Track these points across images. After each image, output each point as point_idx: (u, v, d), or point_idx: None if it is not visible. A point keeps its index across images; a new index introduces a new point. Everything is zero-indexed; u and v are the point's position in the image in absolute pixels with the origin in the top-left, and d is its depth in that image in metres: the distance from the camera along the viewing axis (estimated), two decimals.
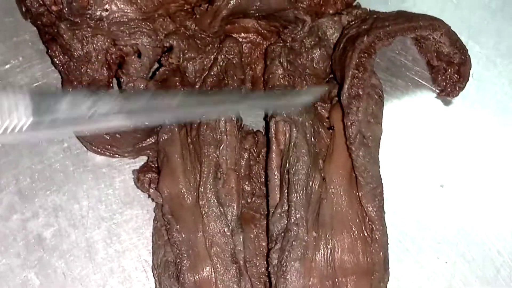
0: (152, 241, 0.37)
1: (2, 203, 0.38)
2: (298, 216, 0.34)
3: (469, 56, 0.39)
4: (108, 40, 0.38)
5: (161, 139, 0.36)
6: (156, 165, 0.37)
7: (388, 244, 0.36)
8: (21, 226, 0.37)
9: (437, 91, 0.39)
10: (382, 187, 0.36)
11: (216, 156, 0.35)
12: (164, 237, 0.36)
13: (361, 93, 0.36)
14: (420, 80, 0.39)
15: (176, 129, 0.36)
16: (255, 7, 0.37)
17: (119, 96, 0.31)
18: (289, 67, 0.37)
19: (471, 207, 0.39)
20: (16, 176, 0.38)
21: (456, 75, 0.39)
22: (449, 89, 0.39)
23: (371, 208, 0.35)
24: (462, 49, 0.39)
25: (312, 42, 0.38)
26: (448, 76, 0.39)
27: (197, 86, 0.37)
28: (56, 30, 0.37)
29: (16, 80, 0.39)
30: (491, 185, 0.41)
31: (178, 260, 0.35)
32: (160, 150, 0.36)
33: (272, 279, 0.34)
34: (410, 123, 0.39)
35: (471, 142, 0.40)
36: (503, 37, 0.41)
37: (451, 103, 0.39)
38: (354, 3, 0.40)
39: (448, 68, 0.39)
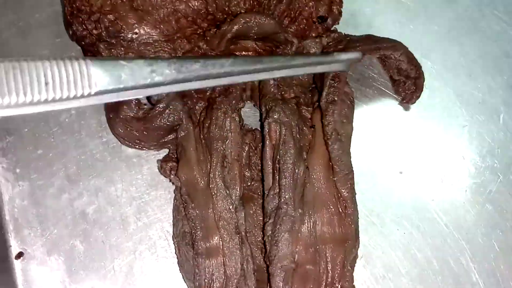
0: (173, 216, 0.36)
1: (54, 186, 0.37)
2: (287, 196, 0.34)
3: (422, 71, 0.39)
4: (137, 57, 0.35)
5: (179, 136, 0.35)
6: (175, 156, 0.36)
7: (358, 218, 0.35)
8: (69, 204, 0.36)
9: (398, 99, 0.39)
10: (353, 173, 0.36)
11: (223, 149, 0.35)
12: (182, 212, 0.35)
13: (336, 99, 0.36)
14: (384, 90, 0.39)
15: (191, 127, 0.35)
16: (253, 31, 0.36)
17: (175, 64, 0.29)
18: (278, 78, 0.36)
19: (423, 189, 0.39)
20: (65, 164, 0.37)
21: (413, 87, 0.39)
22: (408, 98, 0.39)
23: (344, 190, 0.35)
24: (417, 66, 0.38)
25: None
26: (406, 87, 0.39)
27: (207, 93, 0.36)
28: (96, 49, 0.36)
29: None
30: (439, 172, 0.39)
31: (193, 231, 0.34)
32: (179, 144, 0.35)
33: (267, 246, 0.34)
34: (376, 123, 0.39)
35: (424, 138, 0.39)
36: (449, 55, 0.40)
37: (409, 109, 0.39)
38: (332, 28, 0.39)
39: (406, 81, 0.39)
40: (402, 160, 0.40)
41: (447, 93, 0.41)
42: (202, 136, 0.35)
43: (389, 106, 0.41)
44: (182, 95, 0.36)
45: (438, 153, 0.41)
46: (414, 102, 0.39)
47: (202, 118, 0.36)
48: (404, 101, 0.39)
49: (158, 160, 0.37)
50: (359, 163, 0.37)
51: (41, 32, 0.39)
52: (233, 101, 0.36)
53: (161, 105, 0.35)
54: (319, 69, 0.35)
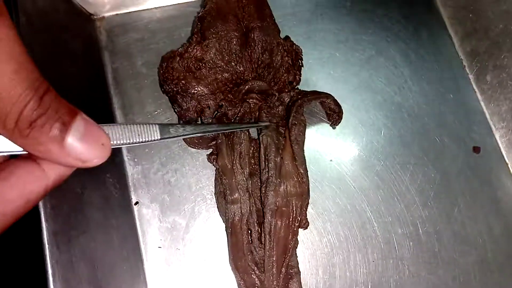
0: (214, 183, 0.38)
1: (154, 167, 0.39)
2: (271, 173, 0.36)
3: (342, 109, 0.40)
4: (196, 102, 0.38)
5: (218, 142, 0.37)
6: (215, 152, 0.38)
7: (309, 183, 0.37)
8: (161, 177, 0.38)
9: (329, 123, 0.41)
10: (305, 160, 0.38)
11: (239, 149, 0.37)
12: (219, 181, 0.37)
13: (296, 123, 0.38)
14: (322, 118, 0.41)
15: (224, 138, 0.37)
16: (255, 89, 0.38)
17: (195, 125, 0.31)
18: (268, 113, 0.38)
19: (346, 172, 0.41)
20: (160, 155, 0.39)
21: (336, 117, 0.40)
22: (334, 123, 0.41)
23: (301, 168, 0.37)
24: (339, 106, 0.40)
25: (277, 103, 0.39)
26: (334, 117, 0.41)
27: (232, 120, 0.38)
28: (175, 99, 0.38)
29: (160, 119, 0.40)
30: (355, 161, 0.41)
31: (224, 190, 0.37)
32: (217, 146, 0.37)
33: (263, 198, 0.36)
34: (316, 134, 0.41)
35: (340, 141, 0.41)
36: (354, 100, 0.43)
37: (335, 128, 0.41)
38: (295, 87, 0.40)
39: (333, 114, 0.40)
40: (331, 152, 0.41)
41: (353, 121, 0.43)
42: (229, 143, 0.37)
43: (324, 126, 0.42)
44: (218, 121, 0.38)
45: (352, 149, 0.42)
46: (337, 124, 0.41)
47: (229, 133, 0.37)
48: (333, 124, 0.41)
49: (206, 155, 0.39)
50: (308, 155, 0.39)
51: (149, 89, 0.41)
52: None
53: None
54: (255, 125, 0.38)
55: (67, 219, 0.30)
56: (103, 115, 0.40)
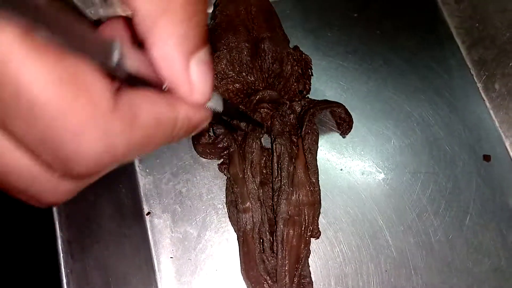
0: (226, 193, 0.38)
1: (165, 177, 0.39)
2: (284, 181, 0.36)
3: (352, 118, 0.41)
4: None
5: (230, 151, 0.38)
6: (226, 162, 0.38)
7: (320, 192, 0.38)
8: (172, 187, 0.39)
9: (339, 132, 0.41)
10: (318, 169, 0.38)
11: (251, 158, 0.37)
12: (230, 190, 0.38)
13: (309, 131, 0.38)
14: (332, 128, 0.41)
15: (236, 147, 0.38)
16: (266, 98, 0.38)
17: None
18: (280, 122, 0.38)
19: (356, 181, 0.41)
20: (171, 166, 0.39)
21: (347, 126, 0.41)
22: (344, 132, 0.41)
23: (313, 178, 0.37)
24: (349, 115, 0.41)
25: (289, 111, 0.39)
26: (344, 126, 0.41)
27: (244, 130, 0.38)
28: None
29: None
30: (365, 170, 0.41)
31: (236, 199, 0.37)
32: (229, 156, 0.38)
33: (275, 207, 0.36)
34: (326, 144, 0.41)
35: (354, 150, 0.42)
36: (363, 110, 0.44)
37: (345, 137, 0.42)
38: (306, 96, 0.41)
39: (343, 123, 0.41)
40: (341, 161, 0.42)
41: (362, 130, 0.43)
42: (241, 152, 0.38)
43: (335, 135, 0.42)
44: (232, 131, 0.39)
45: (359, 157, 0.42)
46: (347, 133, 0.41)
47: (241, 142, 0.38)
48: (342, 133, 0.42)
49: (218, 164, 0.39)
50: (320, 164, 0.39)
51: None
52: (257, 134, 0.38)
53: (221, 136, 0.38)
54: None
55: (81, 228, 0.31)
56: None
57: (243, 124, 0.37)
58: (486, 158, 0.44)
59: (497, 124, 0.45)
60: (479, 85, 0.47)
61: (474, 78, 0.47)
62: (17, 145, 0.14)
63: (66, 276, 0.28)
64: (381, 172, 0.42)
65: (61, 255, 0.28)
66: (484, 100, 0.46)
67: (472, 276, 0.40)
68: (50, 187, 0.15)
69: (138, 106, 0.14)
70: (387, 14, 0.48)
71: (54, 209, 0.29)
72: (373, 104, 0.44)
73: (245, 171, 0.37)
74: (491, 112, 0.46)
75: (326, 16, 0.47)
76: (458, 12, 0.48)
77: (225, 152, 0.39)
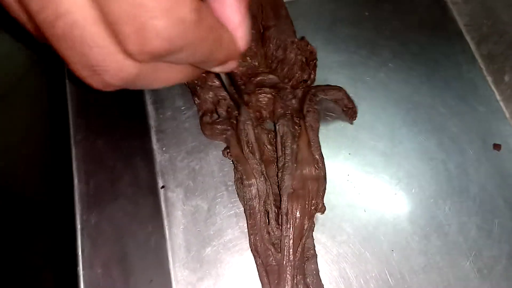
0: (234, 171, 0.40)
1: (178, 158, 0.41)
2: (288, 158, 0.37)
3: (354, 103, 0.43)
4: (213, 93, 0.40)
5: (227, 135, 0.39)
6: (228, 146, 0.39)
7: (325, 168, 0.38)
8: (186, 164, 0.40)
9: (347, 119, 0.42)
10: (320, 146, 0.39)
11: (246, 139, 0.38)
12: (236, 169, 0.39)
13: (310, 109, 0.40)
14: (335, 115, 0.42)
15: (233, 130, 0.39)
16: (267, 82, 0.40)
17: None
18: (283, 105, 0.40)
19: (364, 164, 0.43)
20: (188, 146, 0.41)
21: (352, 112, 0.42)
22: (351, 117, 0.42)
23: (317, 155, 0.39)
24: (351, 101, 0.42)
25: (290, 96, 0.40)
26: (350, 113, 0.42)
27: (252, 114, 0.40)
28: (194, 90, 0.41)
29: (188, 113, 0.42)
30: (374, 156, 0.42)
31: (241, 176, 0.38)
32: (227, 139, 0.39)
33: (280, 182, 0.37)
34: (334, 128, 0.42)
35: (359, 141, 0.42)
36: (368, 99, 0.45)
37: (352, 123, 0.42)
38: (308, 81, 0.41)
39: (348, 109, 0.42)
40: (349, 144, 0.42)
41: (371, 118, 0.44)
42: (236, 133, 0.39)
43: (342, 120, 0.43)
44: (229, 114, 0.40)
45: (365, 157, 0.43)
46: (354, 118, 0.42)
47: (236, 127, 0.39)
48: (350, 119, 0.42)
49: (222, 151, 0.40)
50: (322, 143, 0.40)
51: (178, 87, 0.43)
52: (247, 116, 0.39)
53: (221, 118, 0.40)
54: None
55: (99, 185, 0.33)
56: (136, 108, 0.43)
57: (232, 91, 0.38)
58: (496, 147, 0.44)
59: (507, 115, 0.46)
60: (488, 78, 0.47)
61: (484, 72, 0.48)
62: (101, 18, 0.16)
63: (81, 223, 0.30)
64: (388, 158, 0.42)
65: (77, 205, 0.31)
66: (494, 92, 0.47)
67: (482, 260, 0.39)
68: (117, 66, 0.17)
69: (206, 12, 0.18)
70: (397, 13, 0.50)
71: (74, 164, 0.32)
72: (381, 94, 0.45)
73: (244, 150, 0.38)
74: (501, 103, 0.46)
75: (338, 15, 0.50)
76: (467, 11, 0.50)
77: (224, 136, 0.40)
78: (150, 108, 0.44)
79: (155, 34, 0.16)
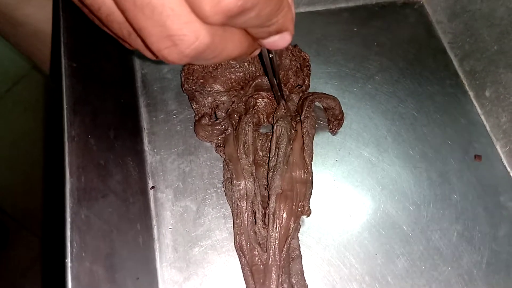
0: (222, 172, 0.40)
1: (171, 157, 0.41)
2: (280, 159, 0.38)
3: (343, 116, 0.44)
4: (212, 99, 0.41)
5: (226, 134, 0.40)
6: (222, 144, 0.41)
7: (312, 173, 0.39)
8: (178, 166, 0.41)
9: (329, 129, 0.44)
10: (312, 151, 0.40)
11: (244, 139, 0.39)
12: (226, 168, 0.39)
13: (308, 116, 0.40)
14: (324, 123, 0.44)
15: (232, 130, 0.40)
16: (264, 85, 0.41)
17: None
18: (284, 107, 0.41)
19: (350, 170, 0.43)
20: (179, 148, 0.42)
21: (337, 124, 0.44)
22: (334, 129, 0.44)
23: (307, 159, 0.39)
24: (342, 113, 0.43)
25: (289, 99, 0.42)
26: (334, 124, 0.44)
27: (243, 114, 0.41)
28: (194, 96, 0.42)
29: (179, 117, 0.43)
30: (360, 162, 0.43)
31: (231, 176, 0.39)
32: (225, 138, 0.40)
33: (269, 182, 0.38)
34: (322, 135, 0.43)
35: (346, 149, 0.43)
36: (356, 109, 0.46)
37: (336, 134, 0.43)
38: (302, 86, 0.43)
39: (334, 121, 0.43)
40: (336, 151, 0.43)
41: (357, 126, 0.45)
42: (235, 134, 0.40)
43: (325, 132, 0.44)
44: (229, 116, 0.41)
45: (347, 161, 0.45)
46: (337, 131, 0.44)
47: (236, 126, 0.41)
48: (332, 130, 0.44)
49: (214, 147, 0.41)
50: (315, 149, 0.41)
51: (172, 92, 0.45)
52: (250, 118, 0.40)
53: (221, 119, 0.41)
54: None
55: (90, 180, 0.34)
56: (130, 111, 0.44)
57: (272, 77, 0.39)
58: (477, 158, 0.45)
59: (488, 128, 0.47)
60: (470, 93, 0.49)
61: (466, 87, 0.50)
62: None
63: (71, 216, 0.30)
64: (373, 165, 0.43)
65: (68, 197, 0.31)
66: (475, 106, 0.48)
67: (463, 266, 0.40)
68: (192, 35, 0.18)
69: None
70: (384, 30, 0.53)
71: (66, 158, 0.33)
72: (369, 104, 0.47)
73: (238, 150, 0.39)
74: (482, 117, 0.48)
75: (328, 30, 0.52)
76: (450, 29, 0.52)
77: (221, 136, 0.41)
78: (143, 111, 0.45)
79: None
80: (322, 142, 0.44)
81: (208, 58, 0.21)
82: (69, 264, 0.30)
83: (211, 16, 0.18)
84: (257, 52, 0.26)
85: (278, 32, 0.22)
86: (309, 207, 0.38)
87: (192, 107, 0.43)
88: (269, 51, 0.36)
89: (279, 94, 0.41)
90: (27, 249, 1.01)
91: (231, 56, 0.22)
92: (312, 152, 0.40)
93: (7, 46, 0.53)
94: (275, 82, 0.40)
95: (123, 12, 0.18)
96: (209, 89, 0.42)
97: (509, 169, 0.45)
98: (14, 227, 1.05)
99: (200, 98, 0.42)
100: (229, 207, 0.40)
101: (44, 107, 1.12)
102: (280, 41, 0.24)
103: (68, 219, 0.31)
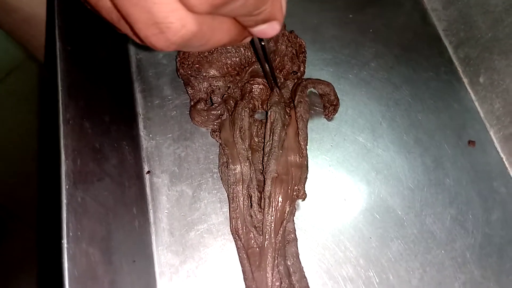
0: (218, 157, 0.40)
1: (167, 143, 0.41)
2: (275, 144, 0.38)
3: (339, 102, 0.44)
4: (208, 84, 0.41)
5: (222, 118, 0.40)
6: (217, 129, 0.41)
7: (307, 157, 0.39)
8: (173, 151, 0.41)
9: (325, 115, 0.44)
10: (307, 135, 0.40)
11: (240, 124, 0.39)
12: (222, 153, 0.39)
13: (302, 100, 0.41)
14: (319, 109, 0.44)
15: (228, 115, 0.40)
16: (259, 71, 0.41)
17: None
18: (278, 94, 0.40)
19: (345, 155, 0.43)
20: (174, 134, 0.42)
21: (333, 109, 0.44)
22: (330, 115, 0.44)
23: (302, 143, 0.39)
24: (337, 98, 0.44)
25: (282, 86, 0.42)
26: (330, 110, 0.44)
27: (239, 99, 0.41)
28: (189, 81, 0.42)
29: (175, 102, 0.43)
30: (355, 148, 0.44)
31: (227, 160, 0.39)
32: (221, 123, 0.40)
33: (265, 166, 0.38)
34: (318, 121, 0.43)
35: (342, 134, 0.43)
36: (351, 96, 0.46)
37: (331, 120, 0.43)
38: (298, 73, 0.43)
39: (329, 106, 0.44)
40: (331, 137, 0.43)
41: (353, 113, 0.45)
42: (231, 118, 0.40)
43: (321, 117, 0.44)
44: (225, 101, 0.41)
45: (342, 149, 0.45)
46: (333, 117, 0.44)
47: (232, 111, 0.40)
48: (328, 116, 0.44)
49: (210, 132, 0.41)
50: (311, 138, 0.42)
51: (167, 77, 0.45)
52: (246, 103, 0.40)
53: (216, 105, 0.41)
54: None
55: (85, 164, 0.34)
56: (125, 96, 0.44)
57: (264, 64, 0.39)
58: (471, 143, 0.45)
59: (482, 114, 0.48)
60: (464, 79, 0.49)
61: (460, 73, 0.50)
62: None
63: (67, 198, 0.30)
64: (368, 151, 0.44)
65: (64, 180, 0.31)
66: (469, 92, 0.49)
67: (456, 249, 0.40)
68: (179, 23, 0.18)
69: None
70: (380, 17, 0.53)
71: (61, 141, 0.32)
72: (363, 90, 0.47)
73: (234, 135, 0.39)
74: (476, 103, 0.48)
75: (324, 16, 0.52)
76: (445, 17, 0.52)
77: (217, 121, 0.41)
78: (138, 96, 0.45)
79: None
80: (318, 128, 0.44)
81: (196, 45, 0.21)
82: (65, 245, 0.30)
83: (197, 5, 0.18)
84: (248, 39, 0.26)
85: (266, 21, 0.22)
86: (304, 190, 0.38)
87: (188, 92, 0.42)
88: (260, 39, 0.36)
89: (272, 80, 0.41)
90: (23, 241, 1.01)
91: (219, 44, 0.22)
92: (307, 136, 0.40)
93: (0, 35, 0.52)
94: (268, 69, 0.40)
95: None
96: (204, 74, 0.41)
97: (502, 155, 0.45)
98: (10, 219, 1.04)
99: (196, 83, 0.41)
100: (224, 192, 0.40)
101: (38, 97, 1.11)
102: (269, 29, 0.24)
103: (64, 201, 0.31)
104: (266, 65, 0.39)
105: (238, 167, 0.38)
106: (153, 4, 0.18)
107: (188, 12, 0.18)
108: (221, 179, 0.40)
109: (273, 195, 0.37)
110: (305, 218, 0.40)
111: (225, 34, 0.22)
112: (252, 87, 0.42)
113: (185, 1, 0.18)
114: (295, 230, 0.38)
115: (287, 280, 0.36)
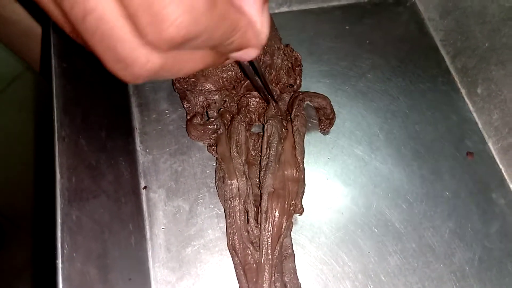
0: (215, 172, 0.40)
1: (163, 157, 0.41)
2: (271, 159, 0.38)
3: (335, 116, 0.44)
4: (204, 98, 0.41)
5: (219, 133, 0.40)
6: (214, 144, 0.40)
7: (305, 172, 0.39)
8: (170, 166, 0.40)
9: (320, 129, 0.44)
10: (304, 150, 0.40)
11: (236, 138, 0.39)
12: (219, 167, 0.39)
13: (298, 114, 0.41)
14: (316, 121, 0.44)
15: (224, 129, 0.40)
16: (257, 87, 0.40)
17: None
18: (275, 107, 0.41)
19: (343, 168, 0.43)
20: (171, 148, 0.41)
21: (328, 123, 0.44)
22: (325, 129, 0.44)
23: (299, 157, 0.39)
24: (333, 112, 0.44)
25: (280, 99, 0.42)
26: (325, 123, 0.44)
27: (235, 113, 0.41)
28: (185, 95, 0.41)
29: (172, 116, 0.43)
30: (352, 160, 0.43)
31: (223, 175, 0.38)
32: (217, 137, 0.40)
33: (261, 181, 0.38)
34: (315, 134, 0.43)
35: (339, 147, 0.43)
36: (349, 108, 0.45)
37: (327, 134, 0.43)
38: (294, 86, 0.43)
39: (325, 120, 0.44)
40: (328, 148, 0.43)
41: (350, 125, 0.45)
42: (227, 133, 0.40)
43: (316, 131, 0.44)
44: (221, 115, 0.41)
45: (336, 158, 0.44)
46: (328, 131, 0.44)
47: (229, 125, 0.40)
48: (323, 129, 0.44)
49: (206, 146, 0.41)
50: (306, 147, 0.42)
51: (164, 91, 0.44)
52: (243, 117, 0.40)
53: (213, 118, 0.41)
54: None
55: (81, 181, 0.33)
56: (121, 111, 0.44)
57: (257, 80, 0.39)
58: (469, 155, 0.45)
59: (480, 125, 0.47)
60: (462, 90, 0.49)
61: (458, 84, 0.50)
62: (123, 12, 0.17)
63: (61, 218, 0.30)
64: (366, 163, 0.43)
65: (59, 198, 0.31)
66: (467, 103, 0.48)
67: (455, 263, 0.40)
68: (143, 59, 0.18)
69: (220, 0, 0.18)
70: (377, 28, 0.53)
71: (57, 159, 0.32)
72: (361, 102, 0.47)
73: (231, 149, 0.39)
74: (474, 114, 0.48)
75: (320, 28, 0.52)
76: (442, 27, 0.52)
77: (213, 135, 0.41)
78: (135, 111, 0.45)
79: (169, 22, 0.16)
80: (315, 141, 0.44)
81: (167, 76, 0.21)
82: (60, 265, 0.30)
83: (157, 45, 0.18)
84: (230, 61, 0.26)
85: (240, 49, 0.22)
86: (302, 205, 0.38)
87: (184, 106, 0.42)
88: None
89: (266, 94, 0.41)
90: (22, 250, 1.01)
91: (195, 70, 0.22)
92: (304, 150, 0.40)
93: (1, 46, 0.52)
94: (260, 84, 0.40)
95: (80, 33, 0.18)
96: (200, 88, 0.41)
97: (501, 166, 0.45)
98: (9, 228, 1.04)
99: (192, 97, 0.41)
100: (221, 207, 0.40)
101: (36, 107, 1.11)
102: (245, 56, 0.23)
103: (59, 220, 0.31)
104: (258, 80, 0.39)
105: (235, 182, 0.38)
106: (116, 42, 0.18)
107: (150, 49, 0.18)
108: (218, 194, 0.40)
109: (270, 210, 0.37)
110: (302, 232, 0.40)
111: (198, 62, 0.21)
112: (249, 101, 0.42)
113: (145, 38, 0.17)
114: (292, 246, 0.38)
115: None
